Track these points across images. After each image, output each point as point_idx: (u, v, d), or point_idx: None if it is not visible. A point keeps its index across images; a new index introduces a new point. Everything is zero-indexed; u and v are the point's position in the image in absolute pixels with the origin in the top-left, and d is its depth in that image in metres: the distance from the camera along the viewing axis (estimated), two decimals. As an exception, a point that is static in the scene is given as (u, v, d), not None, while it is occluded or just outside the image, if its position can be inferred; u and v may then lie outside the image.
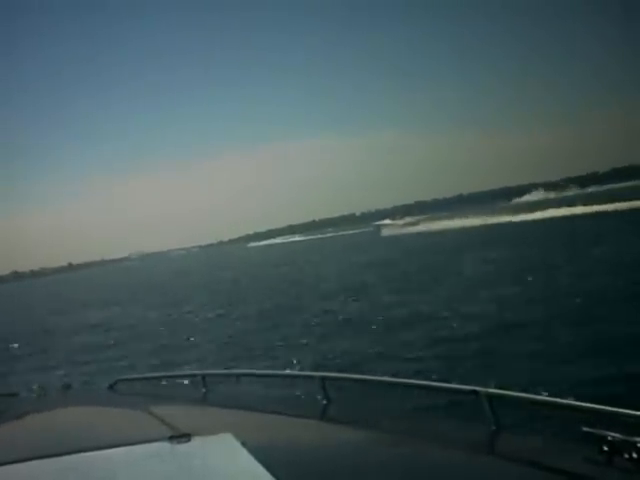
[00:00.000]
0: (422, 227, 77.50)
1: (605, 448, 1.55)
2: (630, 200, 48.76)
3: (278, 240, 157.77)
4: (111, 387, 3.34)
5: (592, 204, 55.77)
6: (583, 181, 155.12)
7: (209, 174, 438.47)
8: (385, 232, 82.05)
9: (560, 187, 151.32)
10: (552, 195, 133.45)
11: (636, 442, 1.53)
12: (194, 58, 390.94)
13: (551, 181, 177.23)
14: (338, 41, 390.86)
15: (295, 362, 11.76)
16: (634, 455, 1.52)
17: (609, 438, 1.56)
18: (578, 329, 11.41)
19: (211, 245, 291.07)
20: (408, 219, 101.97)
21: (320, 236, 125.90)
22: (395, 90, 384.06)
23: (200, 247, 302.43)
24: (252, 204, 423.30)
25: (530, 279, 18.74)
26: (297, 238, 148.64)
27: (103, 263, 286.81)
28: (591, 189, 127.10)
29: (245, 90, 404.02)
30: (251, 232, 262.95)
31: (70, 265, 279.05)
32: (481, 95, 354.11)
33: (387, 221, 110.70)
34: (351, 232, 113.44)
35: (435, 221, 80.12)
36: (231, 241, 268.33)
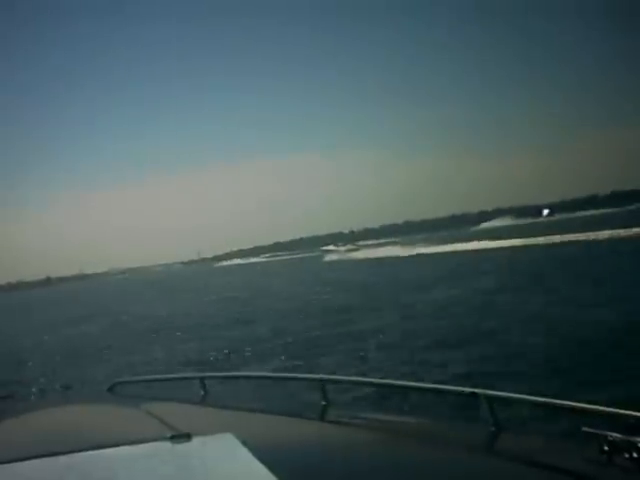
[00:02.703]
0: (361, 254, 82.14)
1: (605, 448, 1.55)
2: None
3: (240, 261, 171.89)
4: (110, 389, 3.30)
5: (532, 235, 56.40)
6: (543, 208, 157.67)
7: (191, 190, 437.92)
8: (327, 257, 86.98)
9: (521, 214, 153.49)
10: (510, 222, 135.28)
11: (636, 442, 1.53)
12: (163, 75, 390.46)
13: (513, 207, 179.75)
14: (319, 56, 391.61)
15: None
16: (634, 455, 1.52)
17: (609, 438, 1.56)
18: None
19: (193, 261, 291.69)
20: (349, 246, 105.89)
21: (273, 259, 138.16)
22: (364, 112, 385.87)
23: (182, 263, 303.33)
24: (232, 221, 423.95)
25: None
26: (255, 260, 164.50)
27: (82, 277, 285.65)
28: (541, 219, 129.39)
29: (229, 106, 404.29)
30: (221, 252, 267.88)
31: (48, 279, 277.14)
32: (464, 117, 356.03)
33: (332, 247, 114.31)
34: (300, 256, 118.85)
35: (377, 248, 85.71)
36: (205, 260, 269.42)
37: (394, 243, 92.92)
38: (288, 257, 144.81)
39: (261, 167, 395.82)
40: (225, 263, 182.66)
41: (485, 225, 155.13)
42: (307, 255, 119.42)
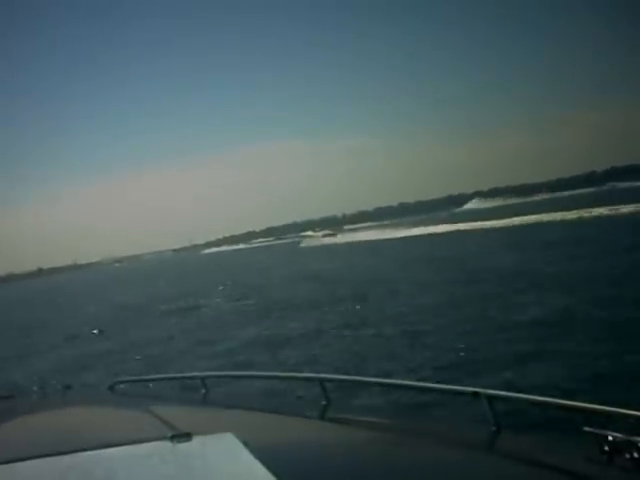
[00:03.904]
0: (337, 239, 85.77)
1: (606, 448, 1.55)
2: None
3: (225, 248, 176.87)
4: (111, 388, 3.30)
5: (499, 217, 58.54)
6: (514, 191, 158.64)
7: (179, 178, 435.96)
8: (304, 243, 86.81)
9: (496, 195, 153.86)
10: (487, 204, 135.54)
11: (637, 442, 1.52)
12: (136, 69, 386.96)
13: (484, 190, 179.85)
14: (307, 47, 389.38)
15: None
16: (635, 455, 1.51)
17: (610, 438, 1.55)
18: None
19: (184, 248, 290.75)
20: (326, 231, 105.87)
21: (256, 245, 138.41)
22: (353, 97, 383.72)
23: (173, 251, 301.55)
24: (219, 209, 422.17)
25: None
26: (241, 246, 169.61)
27: (75, 268, 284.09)
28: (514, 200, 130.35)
29: (214, 98, 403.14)
30: (214, 238, 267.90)
31: (40, 270, 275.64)
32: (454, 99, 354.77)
33: (309, 232, 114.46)
34: (281, 242, 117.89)
35: (353, 232, 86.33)
36: (198, 246, 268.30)
37: (370, 227, 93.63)
38: (269, 244, 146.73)
39: (247, 155, 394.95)
40: (210, 250, 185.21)
41: (466, 207, 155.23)
42: (289, 241, 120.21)
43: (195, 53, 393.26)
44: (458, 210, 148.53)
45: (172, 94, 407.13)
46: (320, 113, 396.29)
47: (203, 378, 2.93)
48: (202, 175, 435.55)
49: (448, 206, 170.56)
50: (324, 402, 2.41)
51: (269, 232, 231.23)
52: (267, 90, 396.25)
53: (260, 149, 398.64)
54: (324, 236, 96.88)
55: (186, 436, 1.56)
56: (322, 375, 2.60)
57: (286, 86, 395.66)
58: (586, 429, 1.61)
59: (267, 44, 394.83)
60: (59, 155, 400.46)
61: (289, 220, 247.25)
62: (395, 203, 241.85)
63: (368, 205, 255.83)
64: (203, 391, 2.86)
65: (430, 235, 58.65)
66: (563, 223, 46.31)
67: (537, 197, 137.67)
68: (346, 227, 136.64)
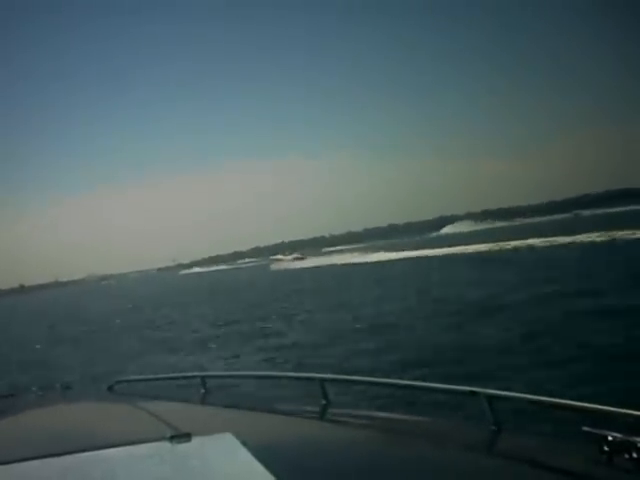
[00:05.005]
0: (306, 263, 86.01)
1: (605, 448, 1.54)
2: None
3: (200, 269, 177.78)
4: (110, 388, 3.32)
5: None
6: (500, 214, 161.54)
7: (165, 195, 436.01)
8: (273, 267, 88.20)
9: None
10: (462, 228, 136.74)
11: (636, 442, 1.52)
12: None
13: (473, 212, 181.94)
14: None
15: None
16: (634, 455, 1.51)
17: (609, 438, 1.55)
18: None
19: (168, 268, 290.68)
20: (295, 255, 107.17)
21: (227, 267, 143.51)
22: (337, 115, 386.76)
23: (158, 270, 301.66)
24: (204, 228, 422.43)
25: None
26: (218, 268, 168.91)
27: (57, 285, 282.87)
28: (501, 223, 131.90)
29: (201, 114, 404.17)
30: (199, 258, 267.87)
31: (22, 287, 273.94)
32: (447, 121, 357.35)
33: (279, 256, 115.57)
34: (251, 265, 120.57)
35: (321, 257, 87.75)
36: (182, 265, 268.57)
37: (343, 251, 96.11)
38: (244, 266, 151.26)
39: (233, 172, 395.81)
40: (188, 271, 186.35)
41: (443, 231, 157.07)
42: (264, 263, 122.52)
43: (186, 61, 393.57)
44: (435, 234, 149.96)
45: (156, 110, 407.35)
46: (314, 130, 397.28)
47: (203, 378, 2.95)
48: (188, 194, 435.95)
49: (436, 228, 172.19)
50: (324, 402, 2.41)
51: (256, 252, 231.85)
52: (254, 107, 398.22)
53: (246, 165, 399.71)
54: (294, 259, 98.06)
55: (185, 436, 1.58)
56: (322, 375, 2.59)
57: (275, 104, 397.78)
58: (585, 429, 1.61)
59: (265, 54, 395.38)
60: (41, 171, 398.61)
61: (278, 240, 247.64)
62: (385, 224, 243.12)
63: (357, 226, 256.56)
64: (202, 391, 2.88)
65: (397, 260, 59.67)
66: (523, 250, 47.28)
67: (516, 222, 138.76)
68: (325, 249, 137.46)
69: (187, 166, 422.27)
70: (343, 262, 69.27)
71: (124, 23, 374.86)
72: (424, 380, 2.88)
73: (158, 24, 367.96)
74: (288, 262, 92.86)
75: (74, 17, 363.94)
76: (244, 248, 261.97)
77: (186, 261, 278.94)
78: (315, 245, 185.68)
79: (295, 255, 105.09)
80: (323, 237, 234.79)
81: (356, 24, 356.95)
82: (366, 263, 62.43)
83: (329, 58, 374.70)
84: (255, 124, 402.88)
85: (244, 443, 1.52)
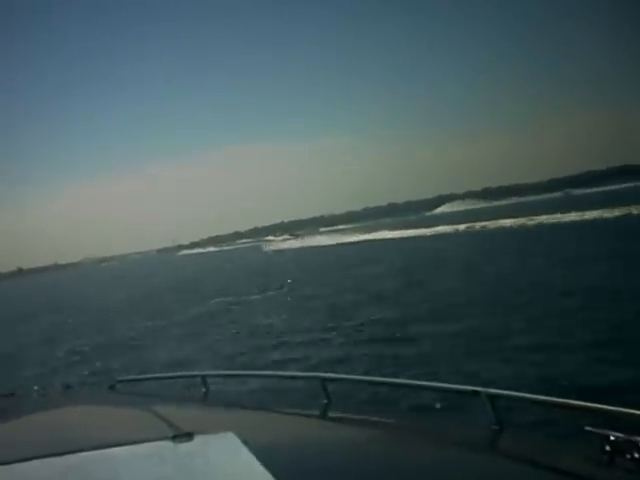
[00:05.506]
0: (296, 243, 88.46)
1: (607, 448, 1.54)
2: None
3: (200, 250, 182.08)
4: (111, 387, 3.31)
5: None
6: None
7: (163, 178, 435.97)
8: (265, 247, 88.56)
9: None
10: (460, 207, 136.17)
11: (638, 442, 1.51)
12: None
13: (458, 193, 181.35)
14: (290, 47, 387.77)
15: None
16: (636, 455, 1.50)
17: (611, 438, 1.55)
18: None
19: (166, 249, 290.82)
20: (286, 236, 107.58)
21: (226, 248, 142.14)
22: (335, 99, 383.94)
23: (157, 251, 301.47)
24: (205, 209, 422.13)
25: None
26: (211, 249, 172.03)
27: (56, 268, 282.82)
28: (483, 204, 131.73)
29: (202, 95, 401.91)
30: (198, 239, 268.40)
31: (20, 270, 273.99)
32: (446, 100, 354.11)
33: (270, 237, 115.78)
34: (248, 245, 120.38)
35: (311, 237, 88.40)
36: (181, 246, 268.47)
37: (336, 231, 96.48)
38: (241, 246, 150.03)
39: (233, 156, 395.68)
40: (187, 252, 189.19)
41: (438, 210, 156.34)
42: (254, 245, 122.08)
43: (179, 57, 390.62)
44: (429, 214, 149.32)
45: (159, 98, 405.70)
46: (313, 113, 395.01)
47: (204, 377, 2.94)
48: (188, 176, 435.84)
49: (434, 207, 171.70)
50: (325, 401, 2.40)
51: (255, 233, 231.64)
52: (254, 92, 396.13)
53: (246, 149, 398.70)
54: (284, 240, 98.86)
55: (187, 436, 1.58)
56: (323, 374, 2.59)
57: (274, 87, 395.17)
58: (587, 428, 1.60)
59: (259, 45, 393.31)
60: (42, 157, 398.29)
61: (277, 220, 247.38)
62: (385, 203, 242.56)
63: (357, 205, 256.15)
64: (203, 390, 2.88)
65: (388, 239, 60.52)
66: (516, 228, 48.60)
67: (512, 200, 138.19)
68: (322, 229, 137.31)
69: (187, 151, 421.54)
70: (333, 242, 70.59)
71: (123, 17, 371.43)
72: (425, 380, 2.90)
73: (160, 21, 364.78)
74: (278, 242, 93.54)
75: (75, 11, 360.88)
76: (243, 229, 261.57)
77: (185, 242, 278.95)
78: (314, 224, 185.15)
79: (285, 236, 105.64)
80: (322, 217, 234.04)
81: (354, 15, 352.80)
82: (354, 242, 63.79)
83: (328, 44, 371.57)
84: (255, 110, 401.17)
85: (245, 442, 1.52)
